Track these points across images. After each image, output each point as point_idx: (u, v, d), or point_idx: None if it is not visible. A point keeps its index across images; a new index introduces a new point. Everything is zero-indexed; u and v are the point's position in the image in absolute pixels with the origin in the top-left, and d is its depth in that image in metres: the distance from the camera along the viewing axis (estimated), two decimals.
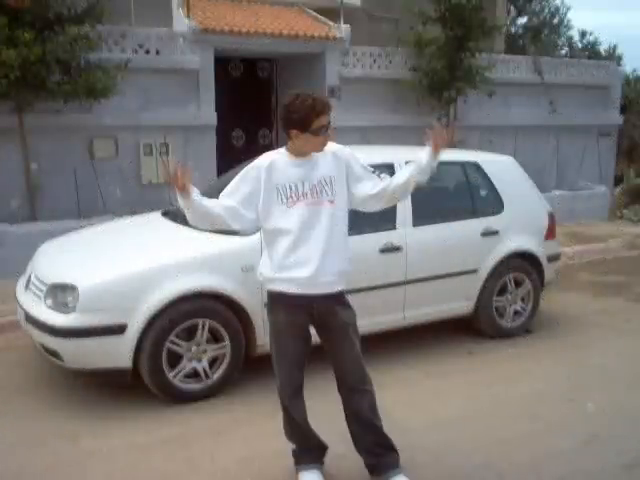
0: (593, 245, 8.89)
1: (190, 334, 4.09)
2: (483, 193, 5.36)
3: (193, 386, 4.13)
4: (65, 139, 7.70)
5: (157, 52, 8.24)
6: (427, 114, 9.30)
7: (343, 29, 9.50)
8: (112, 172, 8.03)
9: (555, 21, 26.52)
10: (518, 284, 5.41)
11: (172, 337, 3.99)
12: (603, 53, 25.25)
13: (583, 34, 26.88)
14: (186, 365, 4.08)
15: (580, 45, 26.60)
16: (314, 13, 10.40)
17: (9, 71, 6.37)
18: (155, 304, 3.91)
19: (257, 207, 2.93)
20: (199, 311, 4.07)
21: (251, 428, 3.79)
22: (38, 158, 7.50)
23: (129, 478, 3.32)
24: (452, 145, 3.40)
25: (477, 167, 5.36)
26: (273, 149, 3.14)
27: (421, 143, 3.18)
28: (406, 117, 9.76)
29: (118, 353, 3.91)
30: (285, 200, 2.89)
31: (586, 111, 11.97)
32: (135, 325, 3.89)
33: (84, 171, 7.83)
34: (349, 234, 3.04)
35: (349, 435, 3.16)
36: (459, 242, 5.03)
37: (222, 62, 9.51)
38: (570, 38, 27.09)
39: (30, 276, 4.43)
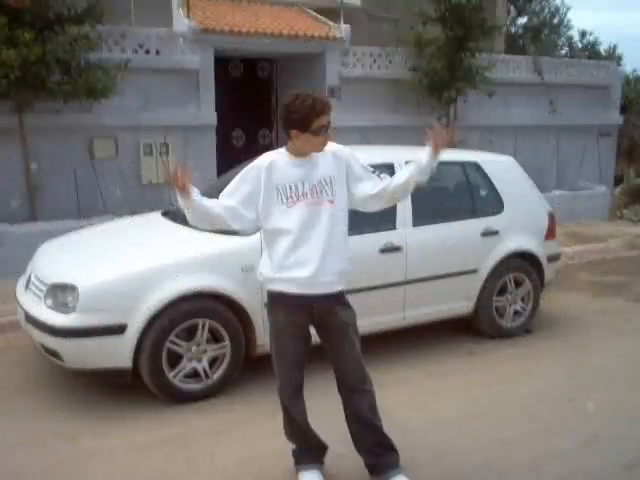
0: (593, 245, 8.89)
1: (190, 334, 4.09)
2: (483, 193, 5.37)
3: (193, 386, 4.13)
4: (65, 139, 7.70)
5: (157, 52, 8.24)
6: (427, 114, 9.30)
7: (343, 29, 9.50)
8: (112, 172, 8.03)
9: (555, 21, 26.53)
10: (518, 284, 5.41)
11: (172, 337, 3.99)
12: (603, 53, 25.26)
13: (583, 34, 26.92)
14: (186, 365, 4.08)
15: (580, 45, 26.62)
16: (314, 13, 10.40)
17: (9, 71, 6.37)
18: (155, 304, 3.91)
19: (257, 207, 2.93)
20: (199, 311, 4.07)
21: (251, 428, 3.79)
22: (38, 158, 7.50)
23: (129, 478, 3.32)
24: (452, 145, 3.40)
25: (477, 167, 5.36)
26: (273, 149, 3.13)
27: (421, 143, 3.18)
28: (406, 117, 9.76)
29: (118, 353, 3.91)
30: (285, 200, 2.89)
31: (586, 111, 11.96)
32: (135, 325, 3.89)
33: (84, 171, 7.83)
34: (349, 234, 3.04)
35: (349, 435, 3.16)
36: (459, 242, 5.03)
37: (222, 62, 9.50)
38: (570, 38, 27.14)
39: (30, 276, 4.43)
